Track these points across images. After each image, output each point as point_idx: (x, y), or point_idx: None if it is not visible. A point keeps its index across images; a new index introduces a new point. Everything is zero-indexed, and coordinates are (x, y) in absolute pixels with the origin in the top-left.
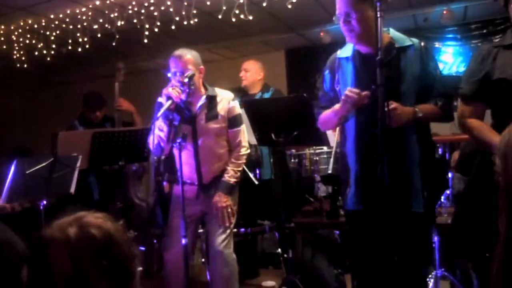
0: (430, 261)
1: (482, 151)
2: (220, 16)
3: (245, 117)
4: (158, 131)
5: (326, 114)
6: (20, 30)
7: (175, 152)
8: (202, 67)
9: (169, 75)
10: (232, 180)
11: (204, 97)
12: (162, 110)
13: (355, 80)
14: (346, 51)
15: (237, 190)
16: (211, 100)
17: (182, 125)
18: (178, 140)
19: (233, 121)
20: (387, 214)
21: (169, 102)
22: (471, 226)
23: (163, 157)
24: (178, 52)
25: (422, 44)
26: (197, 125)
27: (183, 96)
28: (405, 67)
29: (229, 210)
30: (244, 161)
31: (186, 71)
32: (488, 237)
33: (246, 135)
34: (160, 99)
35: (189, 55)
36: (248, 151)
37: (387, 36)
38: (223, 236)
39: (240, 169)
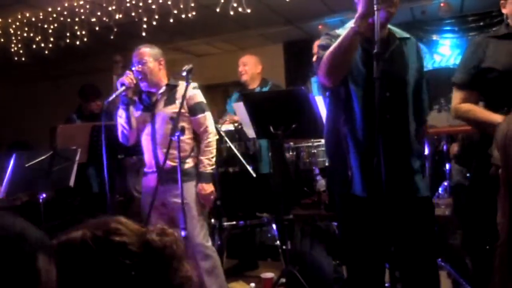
0: (440, 251)
1: (481, 143)
2: (218, 10)
3: (243, 111)
4: (119, 118)
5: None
6: (18, 23)
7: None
8: (161, 59)
9: (133, 68)
10: (209, 169)
11: (164, 86)
12: (114, 95)
13: (362, 60)
14: None
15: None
16: (171, 88)
17: (179, 119)
18: (177, 134)
19: (193, 109)
20: (388, 204)
21: (123, 88)
22: (471, 219)
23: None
24: (139, 46)
25: (416, 41)
26: (155, 111)
27: (143, 86)
28: (408, 56)
29: (212, 197)
30: (215, 147)
31: (142, 61)
32: (487, 230)
33: (211, 121)
34: (119, 80)
35: (147, 48)
36: (217, 136)
37: (386, 28)
38: (198, 228)
39: (213, 155)
